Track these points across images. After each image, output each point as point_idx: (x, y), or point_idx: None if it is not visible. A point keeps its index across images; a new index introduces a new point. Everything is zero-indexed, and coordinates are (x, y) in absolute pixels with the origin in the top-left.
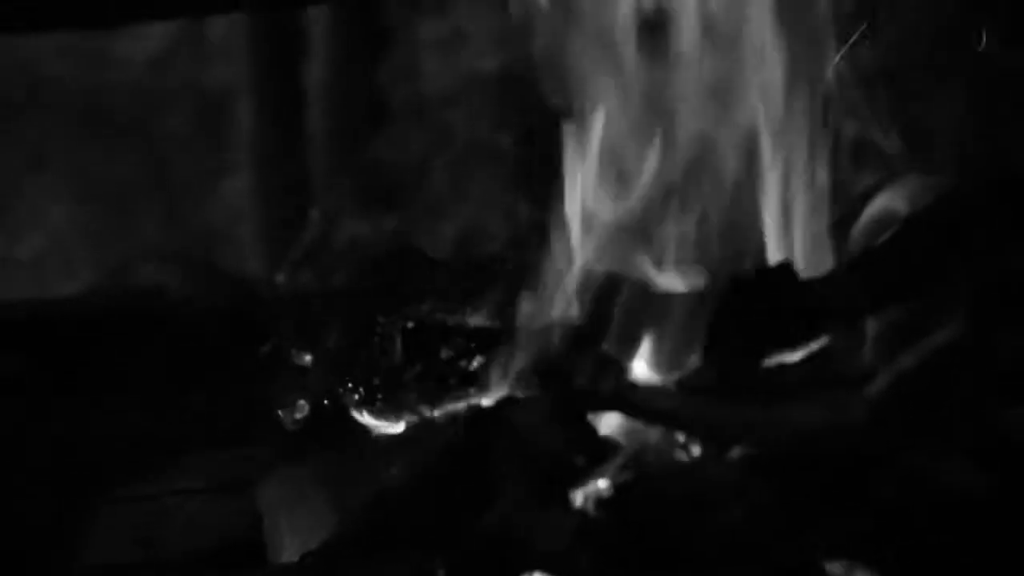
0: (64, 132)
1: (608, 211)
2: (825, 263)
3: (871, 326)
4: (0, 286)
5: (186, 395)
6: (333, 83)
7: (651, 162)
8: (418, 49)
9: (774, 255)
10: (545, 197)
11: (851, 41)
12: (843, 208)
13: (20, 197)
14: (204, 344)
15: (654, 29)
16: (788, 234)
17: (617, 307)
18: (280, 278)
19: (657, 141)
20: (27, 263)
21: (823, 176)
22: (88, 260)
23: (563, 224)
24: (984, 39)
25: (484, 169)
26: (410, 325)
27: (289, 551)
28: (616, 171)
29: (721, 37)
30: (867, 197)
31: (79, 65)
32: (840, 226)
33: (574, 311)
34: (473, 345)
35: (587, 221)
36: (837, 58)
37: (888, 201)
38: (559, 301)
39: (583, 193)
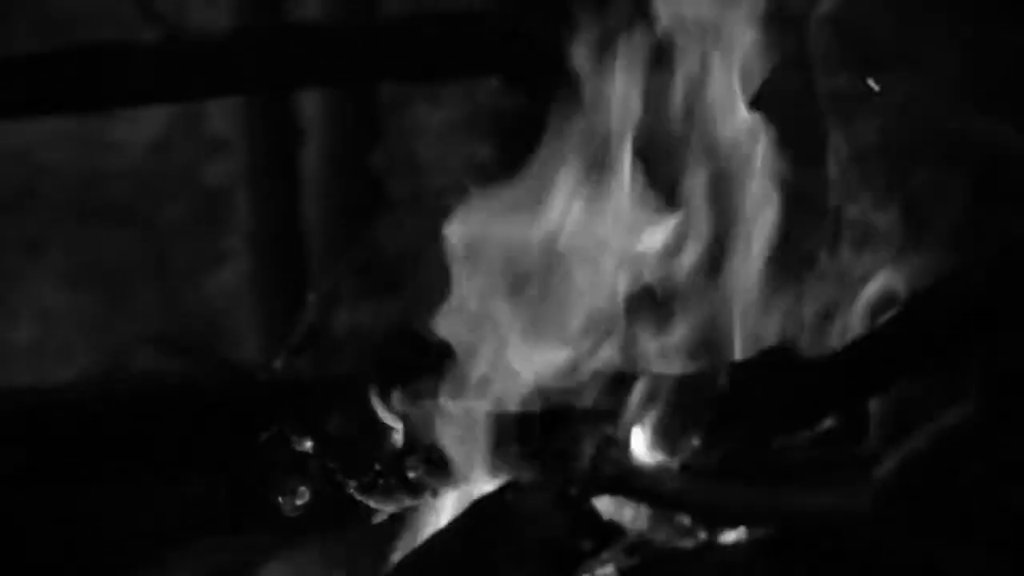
0: (61, 218)
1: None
2: (825, 346)
3: (876, 408)
4: None
5: (184, 482)
6: (330, 171)
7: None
8: (414, 137)
9: (774, 338)
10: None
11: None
12: (842, 290)
13: (18, 283)
14: (202, 430)
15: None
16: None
17: (618, 391)
18: (278, 363)
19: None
20: (25, 349)
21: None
22: (85, 346)
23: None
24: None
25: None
26: (410, 408)
27: None
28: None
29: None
30: (866, 278)
31: (76, 152)
32: (839, 308)
33: (572, 396)
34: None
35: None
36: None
37: (887, 281)
38: (558, 385)
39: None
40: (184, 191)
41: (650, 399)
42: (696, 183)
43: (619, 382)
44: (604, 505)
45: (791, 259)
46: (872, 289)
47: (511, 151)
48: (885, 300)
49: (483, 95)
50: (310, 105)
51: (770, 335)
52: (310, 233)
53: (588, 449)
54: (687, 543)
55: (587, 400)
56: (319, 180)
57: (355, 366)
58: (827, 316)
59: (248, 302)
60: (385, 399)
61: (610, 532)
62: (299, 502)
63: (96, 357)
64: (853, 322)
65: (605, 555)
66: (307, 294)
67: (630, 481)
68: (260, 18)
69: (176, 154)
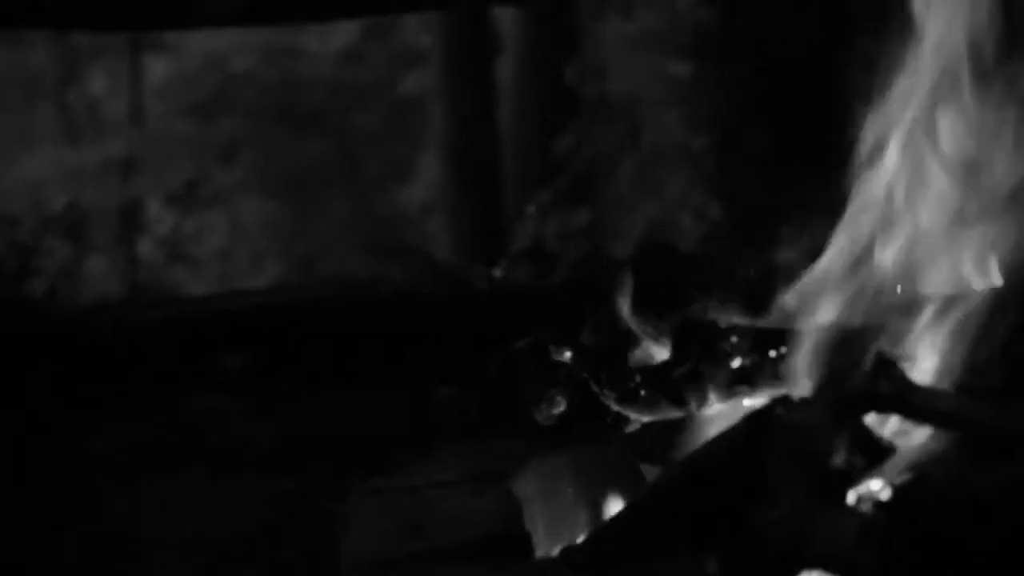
0: (254, 125)
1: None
2: None
3: None
4: (189, 278)
5: (430, 386)
6: (525, 81)
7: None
8: (608, 47)
9: None
10: (740, 197)
11: None
12: None
13: (211, 190)
14: (435, 338)
15: None
16: None
17: (893, 310)
18: (498, 272)
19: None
20: (215, 255)
21: None
22: (276, 253)
23: (831, 227)
24: None
25: (673, 167)
26: (681, 323)
27: (545, 544)
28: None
29: None
30: None
31: (269, 60)
32: None
33: (847, 314)
34: (745, 344)
35: (859, 223)
36: None
37: None
38: (829, 303)
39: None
40: (376, 100)
41: (934, 320)
42: None
43: (907, 303)
44: (877, 422)
45: None
46: None
47: (709, 65)
48: None
49: (681, 6)
50: (505, 15)
51: None
52: (504, 143)
53: (865, 366)
54: (963, 463)
55: (868, 319)
56: (514, 90)
57: (580, 277)
58: None
59: (440, 211)
60: (642, 312)
61: (884, 449)
62: (555, 411)
63: (286, 265)
64: None
65: (878, 471)
66: (525, 205)
67: (906, 399)
68: None
69: (367, 64)
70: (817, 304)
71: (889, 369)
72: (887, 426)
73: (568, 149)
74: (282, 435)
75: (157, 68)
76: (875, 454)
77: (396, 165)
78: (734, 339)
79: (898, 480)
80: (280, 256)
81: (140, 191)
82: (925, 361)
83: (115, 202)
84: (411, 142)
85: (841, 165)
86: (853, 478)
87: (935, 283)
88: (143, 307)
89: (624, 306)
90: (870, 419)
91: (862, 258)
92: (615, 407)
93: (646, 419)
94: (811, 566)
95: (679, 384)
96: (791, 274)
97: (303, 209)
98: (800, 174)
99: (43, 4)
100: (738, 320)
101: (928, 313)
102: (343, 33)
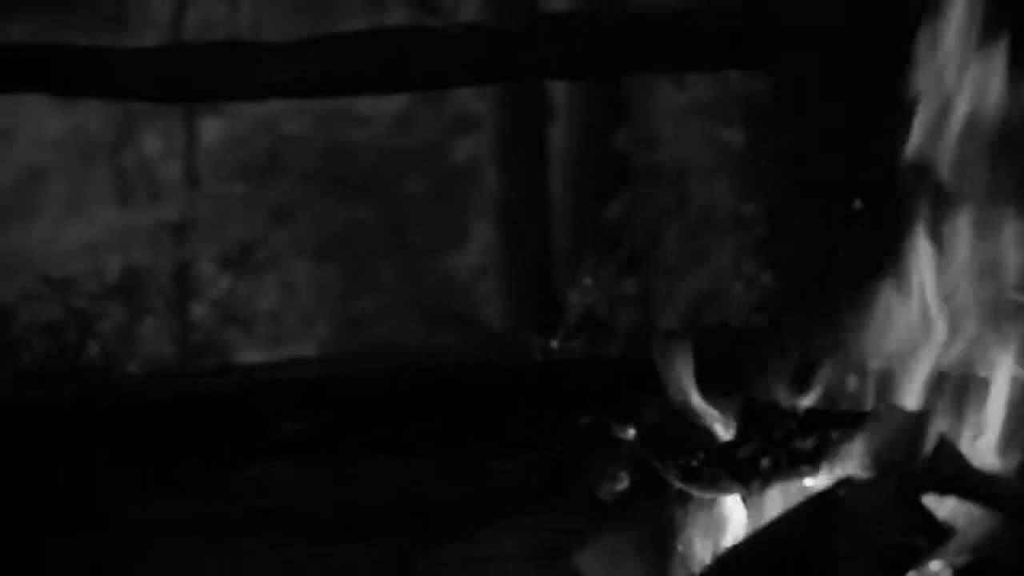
0: (305, 188)
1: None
2: None
3: None
4: (240, 340)
5: (490, 456)
6: (577, 149)
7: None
8: (659, 117)
9: None
10: (793, 266)
11: None
12: None
13: (264, 253)
14: (496, 407)
15: None
16: None
17: (956, 393)
18: (555, 344)
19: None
20: (266, 317)
21: None
22: (326, 315)
23: (902, 307)
24: None
25: (723, 235)
26: (744, 402)
27: None
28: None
29: None
30: None
31: (321, 124)
32: None
33: (911, 397)
34: (807, 426)
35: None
36: None
37: None
38: (892, 384)
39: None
40: (428, 166)
41: (993, 402)
42: None
43: (965, 386)
44: (937, 504)
45: None
46: None
47: (760, 134)
48: None
49: (733, 77)
50: (558, 84)
51: None
52: (555, 210)
53: (926, 448)
54: (1021, 546)
55: (929, 401)
56: (566, 157)
57: (630, 348)
58: None
59: (491, 277)
60: (705, 391)
61: (943, 531)
62: (618, 487)
63: (336, 328)
64: None
65: (938, 553)
66: (578, 274)
67: (966, 482)
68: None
69: (420, 129)
70: (879, 385)
71: (950, 452)
72: (947, 508)
73: (619, 216)
74: (340, 505)
75: (211, 131)
76: (936, 536)
77: (447, 231)
78: (797, 420)
79: (958, 562)
80: (330, 319)
81: (194, 254)
82: (985, 443)
83: (169, 264)
84: (463, 208)
85: (897, 235)
86: (914, 560)
87: (990, 365)
88: (200, 375)
89: (687, 386)
90: (931, 501)
91: (922, 338)
92: (678, 485)
93: (708, 497)
94: None
95: (742, 463)
96: (849, 351)
97: (354, 273)
98: (854, 243)
99: (99, 76)
100: (800, 400)
101: (987, 395)
102: (396, 98)
